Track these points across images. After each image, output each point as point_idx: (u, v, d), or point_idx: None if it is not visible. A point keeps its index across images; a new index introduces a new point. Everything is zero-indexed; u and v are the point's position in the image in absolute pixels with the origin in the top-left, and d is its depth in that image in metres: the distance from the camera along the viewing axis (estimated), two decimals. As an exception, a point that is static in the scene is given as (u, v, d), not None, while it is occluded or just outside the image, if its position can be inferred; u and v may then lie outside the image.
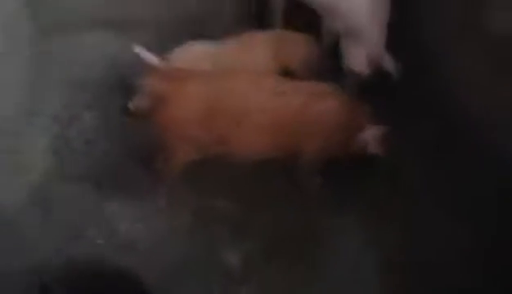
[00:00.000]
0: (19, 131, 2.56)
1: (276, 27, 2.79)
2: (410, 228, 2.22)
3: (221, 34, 2.58)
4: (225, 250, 2.17)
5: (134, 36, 2.61)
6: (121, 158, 2.48)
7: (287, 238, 2.22)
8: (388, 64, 2.35)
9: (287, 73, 2.42)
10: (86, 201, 2.34)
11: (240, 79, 2.12)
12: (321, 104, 2.07)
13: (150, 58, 2.37)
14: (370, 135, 2.14)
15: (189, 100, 2.05)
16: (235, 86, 2.09)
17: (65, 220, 2.28)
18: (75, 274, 2.03)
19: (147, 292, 1.85)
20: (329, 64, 2.52)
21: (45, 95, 2.74)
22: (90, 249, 2.19)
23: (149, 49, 2.32)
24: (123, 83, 2.65)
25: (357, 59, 2.39)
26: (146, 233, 2.25)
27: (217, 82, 2.10)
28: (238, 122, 2.03)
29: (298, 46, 2.49)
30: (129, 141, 2.53)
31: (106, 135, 2.58)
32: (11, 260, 2.07)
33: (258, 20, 2.93)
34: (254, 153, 2.14)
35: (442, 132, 2.42)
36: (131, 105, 2.43)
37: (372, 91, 2.39)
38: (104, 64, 2.85)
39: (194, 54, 2.48)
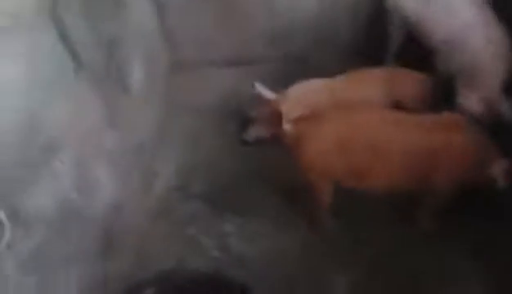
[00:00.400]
0: (153, 151, 2.92)
1: (389, 62, 2.86)
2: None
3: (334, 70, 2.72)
4: (332, 273, 2.27)
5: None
6: (241, 180, 2.71)
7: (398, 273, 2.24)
8: (504, 106, 2.30)
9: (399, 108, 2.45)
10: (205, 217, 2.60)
11: (371, 114, 2.21)
12: (453, 137, 2.07)
13: (267, 93, 2.60)
14: (499, 169, 2.07)
15: (325, 135, 2.17)
16: (366, 120, 2.17)
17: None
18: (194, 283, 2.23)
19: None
20: (442, 101, 2.52)
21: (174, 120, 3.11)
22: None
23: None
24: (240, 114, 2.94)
25: (471, 99, 2.36)
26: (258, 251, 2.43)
27: (350, 118, 2.20)
28: (371, 154, 2.10)
29: (410, 84, 2.53)
30: (249, 164, 2.77)
31: (227, 158, 2.84)
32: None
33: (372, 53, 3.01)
34: (388, 184, 2.17)
35: None
36: (246, 136, 2.73)
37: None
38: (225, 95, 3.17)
39: (309, 88, 2.64)
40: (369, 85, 2.54)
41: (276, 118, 2.60)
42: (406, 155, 2.06)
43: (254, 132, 2.75)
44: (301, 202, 2.50)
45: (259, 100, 2.67)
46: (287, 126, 2.27)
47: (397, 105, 2.47)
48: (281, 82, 2.78)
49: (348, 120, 2.17)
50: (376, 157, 2.08)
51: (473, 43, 2.36)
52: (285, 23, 3.22)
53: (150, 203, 2.71)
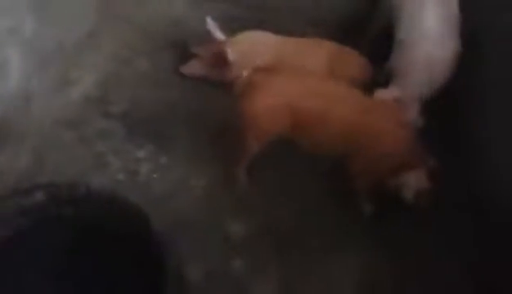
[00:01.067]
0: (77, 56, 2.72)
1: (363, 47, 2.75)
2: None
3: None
4: (231, 219, 2.29)
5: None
6: (165, 109, 2.61)
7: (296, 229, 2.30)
8: (413, 113, 2.35)
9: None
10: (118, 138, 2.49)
11: (323, 82, 2.25)
12: (384, 126, 2.12)
13: (217, 32, 2.53)
14: (412, 180, 2.11)
15: (278, 91, 2.14)
16: (317, 87, 2.19)
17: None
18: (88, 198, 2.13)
19: (152, 233, 1.93)
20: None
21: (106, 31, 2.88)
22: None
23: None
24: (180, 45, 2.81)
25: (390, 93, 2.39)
26: (165, 184, 2.38)
27: (304, 81, 2.20)
28: (315, 118, 2.12)
29: (354, 65, 2.54)
30: (179, 96, 2.66)
31: (156, 84, 2.71)
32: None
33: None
34: (321, 147, 2.22)
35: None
36: (184, 69, 2.62)
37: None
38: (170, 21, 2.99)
39: (259, 39, 2.59)
40: (316, 54, 2.53)
41: (221, 59, 2.54)
42: (341, 127, 2.12)
43: (194, 68, 2.67)
44: (223, 146, 2.46)
45: (207, 37, 2.57)
46: (243, 73, 2.20)
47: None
48: (233, 25, 2.71)
49: (301, 82, 2.18)
50: (318, 121, 2.12)
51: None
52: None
53: (62, 110, 2.53)
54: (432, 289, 2.16)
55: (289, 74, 2.24)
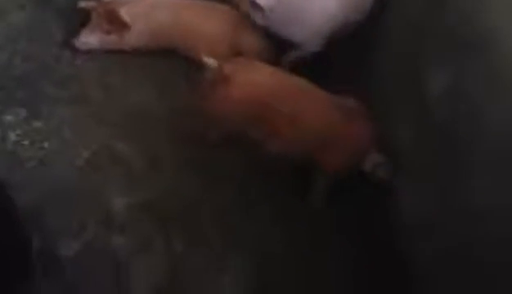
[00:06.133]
0: None
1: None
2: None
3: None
4: (114, 195, 2.10)
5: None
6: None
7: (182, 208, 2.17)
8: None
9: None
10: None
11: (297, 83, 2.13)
12: (355, 126, 2.08)
13: None
14: (371, 163, 2.10)
15: (251, 87, 2.02)
16: (291, 85, 2.11)
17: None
18: None
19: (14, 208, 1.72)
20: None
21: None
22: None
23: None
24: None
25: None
26: (38, 152, 2.13)
27: (279, 81, 2.10)
28: (287, 123, 2.03)
29: (259, 40, 2.43)
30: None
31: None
32: None
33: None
34: (286, 147, 2.12)
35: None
36: (77, 42, 2.35)
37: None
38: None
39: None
40: (216, 20, 2.40)
41: (115, 23, 2.31)
42: (312, 127, 2.05)
43: (88, 38, 2.37)
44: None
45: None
46: (210, 61, 2.01)
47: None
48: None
49: (274, 79, 2.09)
50: (288, 121, 2.02)
51: None
52: None
53: None
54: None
55: (260, 67, 2.13)
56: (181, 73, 2.44)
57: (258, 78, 2.08)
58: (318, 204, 2.23)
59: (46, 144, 2.17)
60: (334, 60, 2.44)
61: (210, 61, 2.02)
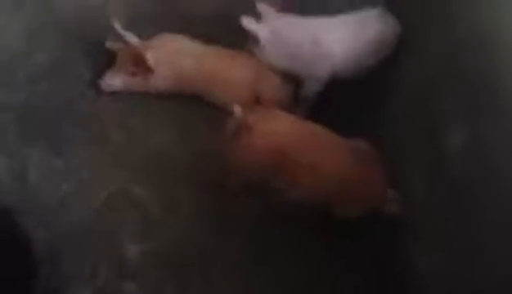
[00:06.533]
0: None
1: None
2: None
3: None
4: (128, 240, 2.10)
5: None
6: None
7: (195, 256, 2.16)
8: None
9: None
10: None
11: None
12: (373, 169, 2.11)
13: (129, 36, 2.35)
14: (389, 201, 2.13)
15: (272, 137, 2.04)
16: (312, 134, 2.13)
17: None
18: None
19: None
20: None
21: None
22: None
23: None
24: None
25: None
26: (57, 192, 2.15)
27: (299, 131, 2.12)
28: (306, 172, 2.05)
29: (279, 88, 2.45)
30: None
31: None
32: None
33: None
34: (305, 198, 2.16)
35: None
36: (103, 83, 2.38)
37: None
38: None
39: (175, 45, 2.44)
40: (238, 67, 2.42)
41: (140, 66, 2.34)
42: (331, 174, 2.06)
43: (113, 80, 2.39)
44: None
45: (120, 40, 2.37)
46: (237, 110, 2.01)
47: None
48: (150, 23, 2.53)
49: (294, 129, 2.11)
50: (309, 171, 2.05)
51: None
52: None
53: None
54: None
55: (280, 117, 2.15)
56: (203, 118, 2.45)
57: (279, 129, 2.09)
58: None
59: (65, 184, 2.18)
60: (346, 103, 2.44)
61: (237, 110, 2.02)
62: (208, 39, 2.49)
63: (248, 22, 2.28)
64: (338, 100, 2.43)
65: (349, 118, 2.34)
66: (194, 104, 2.46)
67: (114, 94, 2.42)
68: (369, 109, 2.47)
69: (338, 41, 2.36)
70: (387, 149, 2.18)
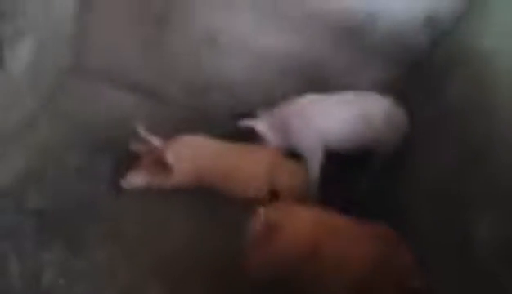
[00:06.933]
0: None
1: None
2: None
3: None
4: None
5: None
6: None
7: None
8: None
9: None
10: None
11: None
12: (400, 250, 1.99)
13: (152, 138, 2.47)
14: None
15: (297, 233, 2.01)
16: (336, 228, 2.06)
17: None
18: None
19: None
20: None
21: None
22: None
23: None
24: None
25: None
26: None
27: (321, 223, 2.07)
28: (333, 266, 1.97)
29: (293, 176, 2.50)
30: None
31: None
32: None
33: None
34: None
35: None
36: (124, 182, 2.45)
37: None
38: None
39: (193, 144, 2.54)
40: (252, 162, 2.49)
41: (160, 165, 2.42)
42: (359, 264, 1.95)
43: (134, 179, 2.47)
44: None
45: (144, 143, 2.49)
46: (261, 211, 2.03)
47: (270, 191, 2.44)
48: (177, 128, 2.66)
49: (316, 222, 2.04)
50: (335, 265, 1.95)
51: None
52: (209, 78, 3.02)
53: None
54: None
55: (300, 212, 2.10)
56: (221, 215, 2.44)
57: (301, 224, 2.03)
58: None
59: (79, 286, 2.13)
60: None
61: (261, 211, 2.01)
62: (226, 136, 2.59)
63: (244, 122, 2.55)
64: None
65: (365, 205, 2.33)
66: (212, 199, 2.47)
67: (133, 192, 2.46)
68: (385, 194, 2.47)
69: (325, 113, 2.52)
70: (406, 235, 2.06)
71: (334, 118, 2.51)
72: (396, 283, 1.95)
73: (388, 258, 1.96)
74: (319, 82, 2.80)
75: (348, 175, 2.73)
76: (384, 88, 2.70)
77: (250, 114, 2.67)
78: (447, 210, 2.09)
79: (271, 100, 2.73)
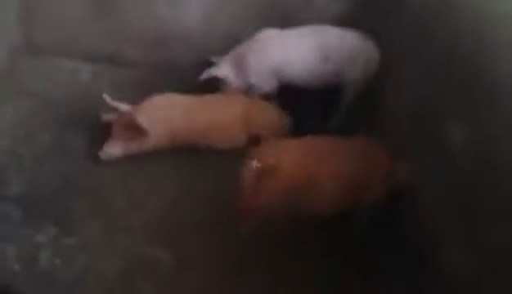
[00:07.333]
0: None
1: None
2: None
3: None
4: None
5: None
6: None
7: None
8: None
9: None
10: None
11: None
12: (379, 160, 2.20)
13: (120, 105, 2.42)
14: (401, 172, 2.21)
15: (294, 165, 2.06)
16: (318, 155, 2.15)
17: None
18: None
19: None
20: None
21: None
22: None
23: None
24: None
25: None
26: (69, 270, 2.10)
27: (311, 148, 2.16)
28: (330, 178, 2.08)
29: (269, 115, 2.53)
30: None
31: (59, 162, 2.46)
32: None
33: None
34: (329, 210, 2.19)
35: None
36: (102, 154, 2.42)
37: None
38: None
39: (164, 103, 2.49)
40: (226, 112, 2.48)
41: (135, 130, 2.38)
42: (346, 183, 2.11)
43: (112, 148, 2.43)
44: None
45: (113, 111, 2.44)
46: (254, 163, 2.01)
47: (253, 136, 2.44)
48: (142, 89, 2.61)
49: (306, 149, 2.14)
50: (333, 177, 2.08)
51: None
52: (164, 31, 2.94)
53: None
54: None
55: (291, 143, 2.20)
56: (205, 167, 2.44)
57: (292, 158, 2.07)
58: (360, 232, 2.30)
59: (77, 261, 2.13)
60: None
61: (254, 163, 2.01)
62: (193, 90, 2.55)
63: (205, 73, 2.55)
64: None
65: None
66: (192, 154, 2.47)
67: (111, 163, 2.44)
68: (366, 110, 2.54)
69: (280, 46, 2.54)
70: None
71: (290, 51, 2.52)
72: (382, 179, 2.17)
73: (374, 160, 2.18)
74: (280, 18, 2.75)
75: (320, 111, 2.75)
76: (349, 23, 2.66)
77: (209, 64, 2.65)
78: (424, 123, 2.16)
79: (232, 45, 2.68)
